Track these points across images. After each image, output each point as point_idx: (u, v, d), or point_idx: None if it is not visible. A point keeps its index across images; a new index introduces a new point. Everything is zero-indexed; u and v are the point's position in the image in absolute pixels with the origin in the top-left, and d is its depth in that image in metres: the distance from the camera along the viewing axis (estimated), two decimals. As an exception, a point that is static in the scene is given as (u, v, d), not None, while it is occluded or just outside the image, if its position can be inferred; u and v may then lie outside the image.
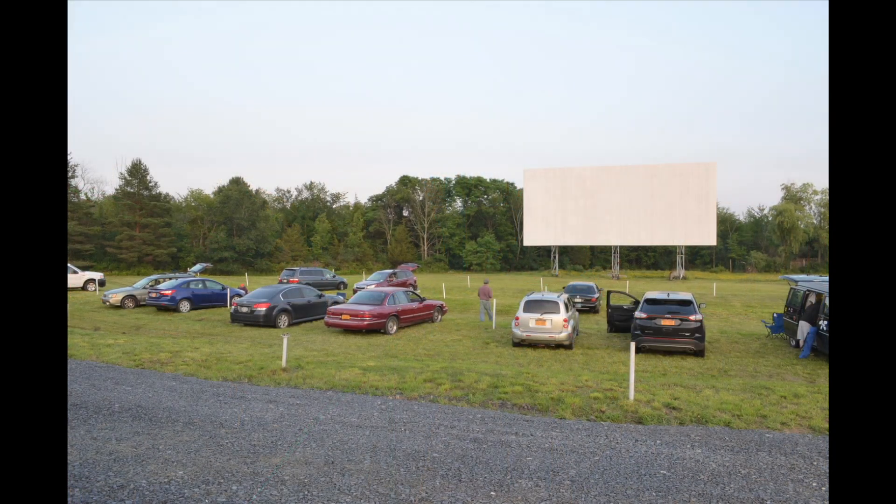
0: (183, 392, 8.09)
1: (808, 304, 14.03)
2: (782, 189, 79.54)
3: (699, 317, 13.25)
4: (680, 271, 54.78)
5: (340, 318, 15.98)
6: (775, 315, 16.42)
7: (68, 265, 32.14)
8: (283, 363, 9.87)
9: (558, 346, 13.99)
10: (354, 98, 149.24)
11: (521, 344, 14.33)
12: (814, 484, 4.88)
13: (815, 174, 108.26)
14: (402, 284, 30.13)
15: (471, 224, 79.84)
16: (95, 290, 24.11)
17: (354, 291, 25.39)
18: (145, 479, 4.71)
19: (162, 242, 54.43)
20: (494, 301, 18.65)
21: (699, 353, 13.31)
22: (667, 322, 13.22)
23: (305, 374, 9.31)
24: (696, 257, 79.64)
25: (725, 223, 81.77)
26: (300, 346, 13.64)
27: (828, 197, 78.91)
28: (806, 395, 8.17)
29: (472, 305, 24.70)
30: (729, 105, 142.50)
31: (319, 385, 8.61)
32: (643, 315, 13.54)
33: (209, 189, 75.22)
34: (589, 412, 7.27)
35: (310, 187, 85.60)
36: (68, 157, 54.91)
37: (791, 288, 15.68)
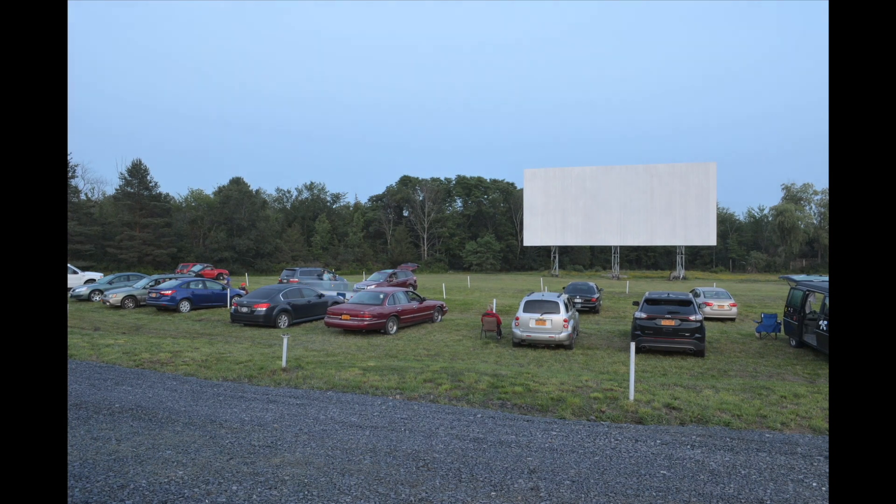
0: (183, 392, 8.09)
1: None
2: (782, 189, 79.71)
3: (699, 317, 13.25)
4: (680, 271, 54.78)
5: (340, 318, 15.97)
6: (764, 315, 16.39)
7: (68, 265, 32.15)
8: (283, 363, 9.87)
9: (558, 346, 13.99)
10: (355, 98, 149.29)
11: (521, 344, 14.33)
12: (814, 484, 4.88)
13: (815, 174, 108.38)
14: (402, 284, 30.13)
15: (471, 224, 79.85)
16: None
17: (354, 292, 25.38)
18: (145, 479, 4.71)
19: (162, 242, 54.44)
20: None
21: (699, 354, 13.30)
22: (667, 322, 13.22)
23: (305, 374, 9.31)
24: (696, 257, 79.65)
25: (725, 223, 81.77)
26: (300, 346, 13.64)
27: (828, 197, 78.89)
28: (806, 395, 8.17)
29: (473, 305, 24.70)
30: (729, 105, 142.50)
31: (319, 385, 8.61)
32: (643, 315, 13.54)
33: (209, 189, 75.32)
34: (589, 412, 7.27)
35: (310, 187, 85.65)
36: (68, 158, 54.91)
37: (791, 288, 15.68)
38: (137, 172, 54.65)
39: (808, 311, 14.42)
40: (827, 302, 13.09)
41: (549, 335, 13.71)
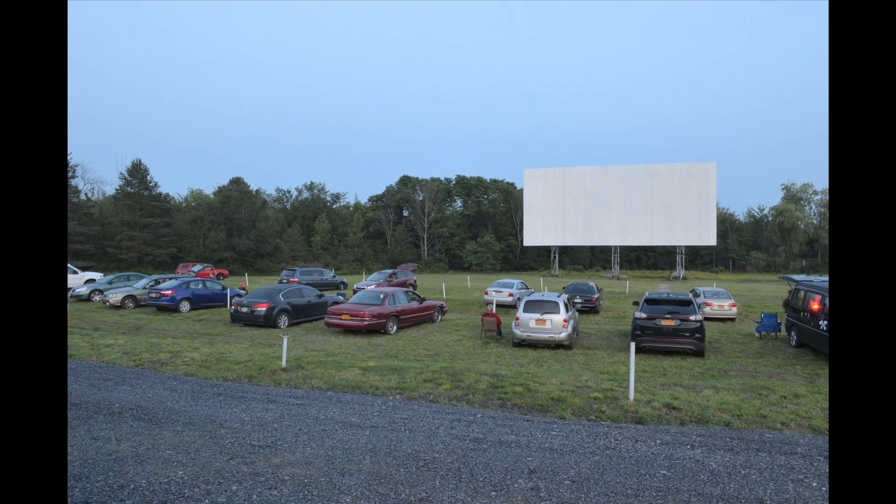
0: (183, 392, 8.09)
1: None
2: (782, 189, 79.72)
3: (699, 317, 13.24)
4: (680, 271, 54.78)
5: (340, 318, 15.97)
6: (764, 315, 16.40)
7: (68, 265, 32.12)
8: (283, 363, 9.87)
9: (558, 346, 13.99)
10: (355, 98, 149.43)
11: (521, 344, 14.33)
12: (814, 484, 4.88)
13: (816, 174, 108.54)
14: (402, 284, 30.13)
15: (471, 224, 79.84)
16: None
17: (354, 292, 25.38)
18: (145, 479, 4.71)
19: (162, 242, 54.43)
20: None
21: (699, 354, 13.30)
22: (667, 322, 13.22)
23: (305, 374, 9.30)
24: (696, 257, 79.65)
25: (725, 223, 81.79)
26: (300, 346, 13.64)
27: (828, 197, 78.81)
28: (806, 395, 8.17)
29: (472, 306, 24.69)
30: (729, 105, 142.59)
31: (319, 385, 8.61)
32: (643, 315, 13.53)
33: (209, 189, 75.31)
34: (589, 412, 7.27)
35: (310, 187, 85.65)
36: (68, 157, 54.88)
37: (792, 288, 15.67)
38: (137, 172, 54.64)
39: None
40: (827, 302, 13.08)
41: (549, 335, 13.71)
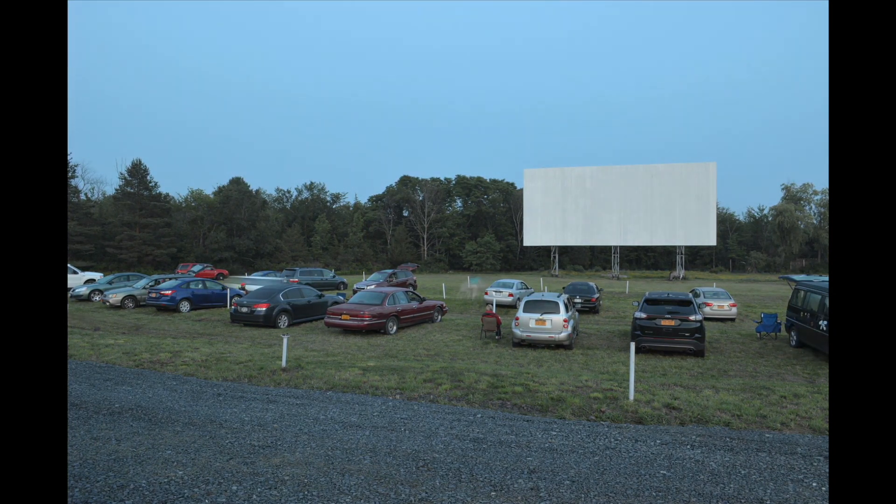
0: (183, 392, 8.09)
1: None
2: (782, 189, 79.76)
3: (699, 317, 13.24)
4: (680, 271, 54.78)
5: (340, 319, 15.97)
6: (764, 315, 16.39)
7: (68, 265, 32.11)
8: (283, 363, 9.87)
9: (558, 346, 13.98)
10: (355, 98, 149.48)
11: (521, 344, 14.32)
12: (814, 484, 4.88)
13: (816, 174, 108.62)
14: (402, 284, 30.13)
15: (471, 224, 79.84)
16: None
17: (354, 292, 25.37)
18: (145, 479, 4.71)
19: (162, 242, 54.43)
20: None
21: (699, 354, 13.30)
22: (667, 322, 13.22)
23: (305, 374, 9.31)
24: (696, 257, 79.66)
25: (725, 223, 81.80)
26: (300, 346, 13.64)
27: (828, 197, 78.72)
28: (806, 395, 8.17)
29: (472, 306, 24.69)
30: (729, 105, 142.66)
31: (319, 385, 8.61)
32: (643, 315, 13.53)
33: (209, 189, 75.27)
34: (589, 412, 7.27)
35: (310, 187, 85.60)
36: (68, 158, 54.84)
37: (794, 288, 15.67)
38: (137, 172, 54.63)
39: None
40: (826, 302, 13.07)
41: (549, 335, 13.71)
